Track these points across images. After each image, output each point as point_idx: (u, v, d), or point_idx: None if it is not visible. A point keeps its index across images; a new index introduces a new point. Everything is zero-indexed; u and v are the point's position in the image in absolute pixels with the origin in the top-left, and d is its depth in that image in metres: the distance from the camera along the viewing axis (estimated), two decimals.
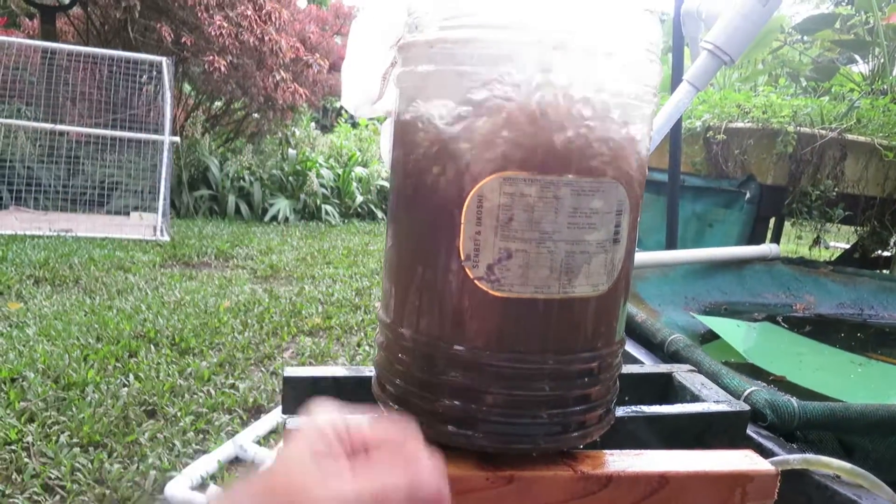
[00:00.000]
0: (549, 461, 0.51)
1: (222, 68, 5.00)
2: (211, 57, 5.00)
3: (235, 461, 1.59)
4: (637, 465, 0.52)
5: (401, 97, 0.51)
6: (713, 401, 0.67)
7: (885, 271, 2.26)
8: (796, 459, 0.64)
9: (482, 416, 0.49)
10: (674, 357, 0.90)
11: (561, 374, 0.50)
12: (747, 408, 0.67)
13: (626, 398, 0.72)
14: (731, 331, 1.33)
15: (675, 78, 1.69)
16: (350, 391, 0.61)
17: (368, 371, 0.61)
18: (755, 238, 2.03)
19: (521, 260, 0.46)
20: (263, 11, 5.28)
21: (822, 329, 1.54)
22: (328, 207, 5.94)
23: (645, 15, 0.49)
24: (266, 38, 5.23)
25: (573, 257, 0.47)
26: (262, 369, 2.18)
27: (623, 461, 0.52)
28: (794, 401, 0.74)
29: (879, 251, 2.30)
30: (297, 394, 0.61)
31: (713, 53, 1.27)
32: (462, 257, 0.46)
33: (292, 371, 0.61)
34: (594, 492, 0.50)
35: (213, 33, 4.95)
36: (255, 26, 5.18)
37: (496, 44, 0.44)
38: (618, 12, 0.47)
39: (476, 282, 0.47)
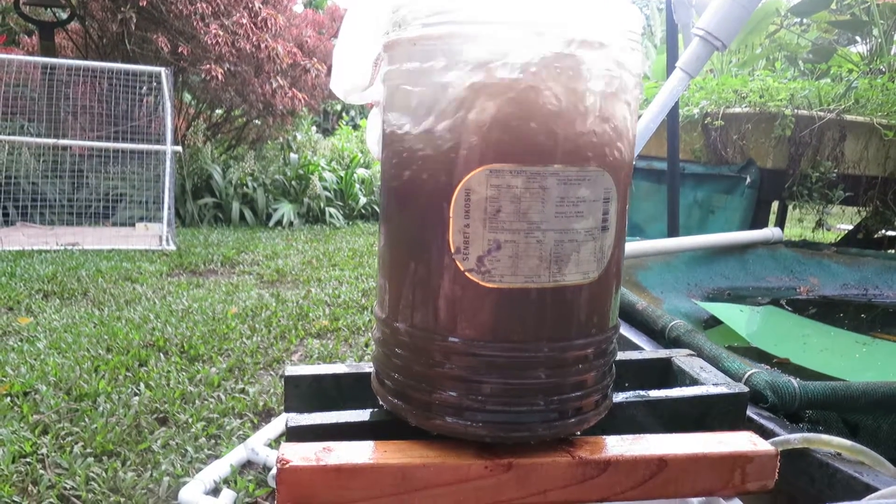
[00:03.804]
0: (548, 448, 0.51)
1: (220, 76, 5.02)
2: (208, 66, 5.01)
3: (248, 465, 1.60)
4: (635, 449, 0.52)
5: (387, 94, 0.52)
6: (712, 384, 0.68)
7: (890, 251, 2.26)
8: (796, 439, 0.65)
9: (479, 405, 0.50)
10: (675, 343, 0.91)
11: (556, 362, 0.51)
12: (746, 390, 0.68)
13: (626, 384, 0.73)
14: (734, 316, 1.33)
15: (670, 65, 1.69)
16: (350, 387, 0.62)
17: (368, 367, 0.62)
18: (757, 222, 2.03)
19: (510, 250, 0.46)
20: (259, 18, 5.29)
21: (826, 311, 1.54)
22: (332, 210, 5.96)
23: (624, 4, 0.50)
24: (262, 45, 5.23)
25: (562, 246, 0.47)
26: (272, 373, 2.20)
27: (621, 446, 0.53)
28: (794, 381, 0.75)
29: (883, 231, 2.30)
30: (300, 392, 0.62)
31: (705, 39, 1.27)
32: (452, 250, 0.47)
33: (293, 370, 0.62)
34: (593, 477, 0.51)
35: (209, 42, 4.97)
36: (251, 34, 5.19)
37: (477, 39, 0.45)
38: (596, 3, 0.48)
39: (467, 274, 0.47)
